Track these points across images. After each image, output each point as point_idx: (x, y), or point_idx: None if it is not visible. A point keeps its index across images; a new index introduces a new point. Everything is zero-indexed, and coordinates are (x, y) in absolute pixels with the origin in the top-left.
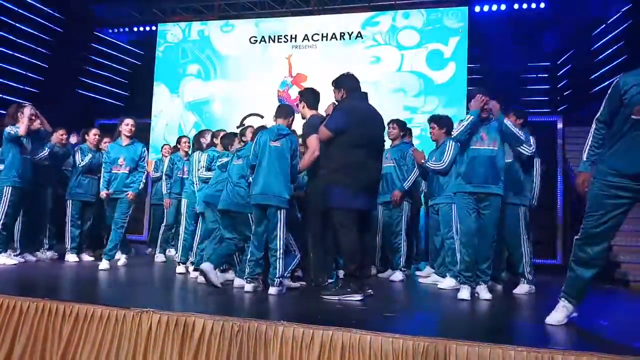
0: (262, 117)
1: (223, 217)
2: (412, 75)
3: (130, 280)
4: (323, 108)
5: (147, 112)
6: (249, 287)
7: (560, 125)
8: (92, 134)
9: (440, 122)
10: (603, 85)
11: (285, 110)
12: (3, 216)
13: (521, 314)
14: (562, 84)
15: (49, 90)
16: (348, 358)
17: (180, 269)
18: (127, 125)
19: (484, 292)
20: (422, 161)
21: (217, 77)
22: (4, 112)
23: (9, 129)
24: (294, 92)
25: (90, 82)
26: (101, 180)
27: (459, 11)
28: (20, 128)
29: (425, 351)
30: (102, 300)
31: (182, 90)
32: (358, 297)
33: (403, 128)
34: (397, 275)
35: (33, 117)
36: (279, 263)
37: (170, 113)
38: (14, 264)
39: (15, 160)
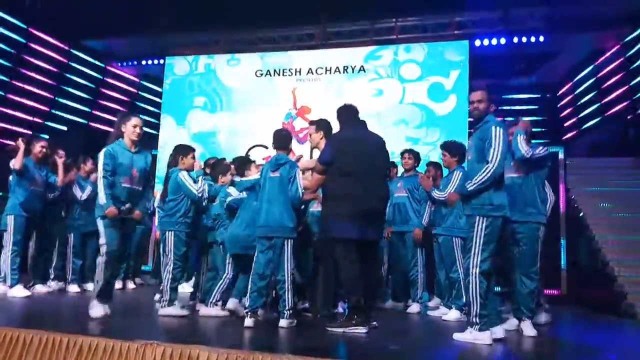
0: (266, 147)
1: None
2: (413, 107)
3: (134, 312)
4: None
5: (153, 144)
6: (249, 322)
7: (561, 156)
8: (90, 165)
9: (452, 150)
10: (599, 117)
11: (285, 140)
12: (12, 246)
13: (526, 345)
14: (564, 113)
15: (57, 122)
16: None
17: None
18: (135, 127)
19: (528, 329)
20: (429, 190)
21: (223, 109)
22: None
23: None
24: (298, 124)
25: (97, 113)
26: (102, 192)
27: (460, 45)
28: (15, 162)
29: None
30: (106, 333)
31: (188, 122)
32: (363, 329)
33: (418, 158)
34: (414, 308)
35: (42, 149)
36: (288, 294)
37: (176, 144)
38: (27, 297)
39: (19, 190)
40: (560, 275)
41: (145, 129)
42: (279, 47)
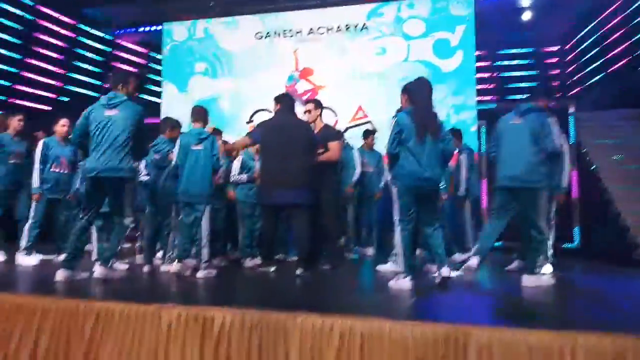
0: (271, 112)
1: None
2: (419, 65)
3: (149, 276)
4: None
5: (156, 112)
6: (177, 267)
7: (572, 110)
8: (60, 125)
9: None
10: (613, 68)
11: (201, 114)
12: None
13: (541, 297)
14: (571, 68)
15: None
16: (368, 346)
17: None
18: None
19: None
20: None
21: (225, 74)
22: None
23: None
24: (301, 87)
25: (96, 82)
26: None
27: None
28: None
29: (445, 337)
30: (122, 297)
31: (190, 89)
32: (272, 268)
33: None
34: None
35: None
36: (205, 250)
37: (179, 112)
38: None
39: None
40: (573, 229)
41: (147, 97)
42: (278, 8)
